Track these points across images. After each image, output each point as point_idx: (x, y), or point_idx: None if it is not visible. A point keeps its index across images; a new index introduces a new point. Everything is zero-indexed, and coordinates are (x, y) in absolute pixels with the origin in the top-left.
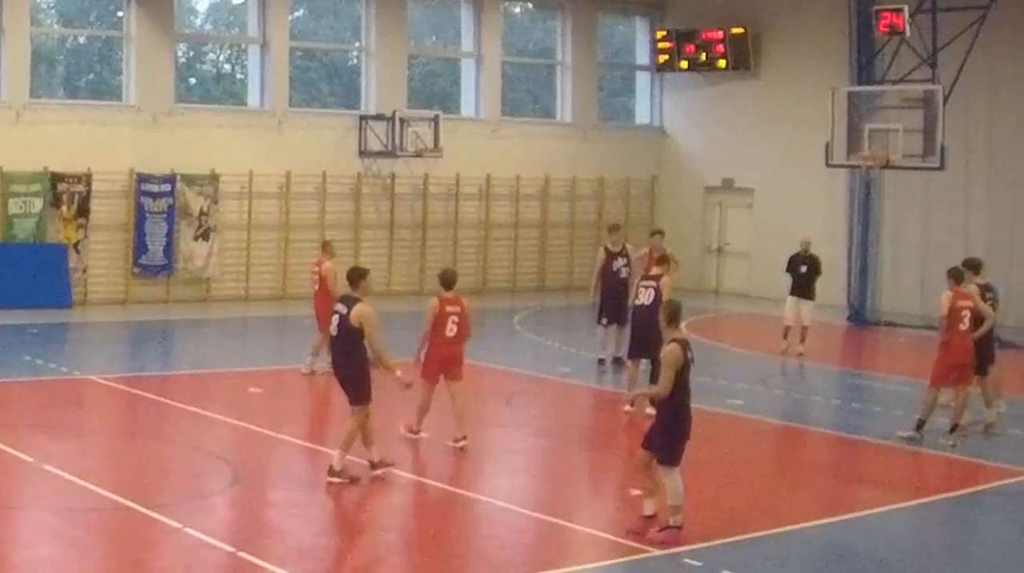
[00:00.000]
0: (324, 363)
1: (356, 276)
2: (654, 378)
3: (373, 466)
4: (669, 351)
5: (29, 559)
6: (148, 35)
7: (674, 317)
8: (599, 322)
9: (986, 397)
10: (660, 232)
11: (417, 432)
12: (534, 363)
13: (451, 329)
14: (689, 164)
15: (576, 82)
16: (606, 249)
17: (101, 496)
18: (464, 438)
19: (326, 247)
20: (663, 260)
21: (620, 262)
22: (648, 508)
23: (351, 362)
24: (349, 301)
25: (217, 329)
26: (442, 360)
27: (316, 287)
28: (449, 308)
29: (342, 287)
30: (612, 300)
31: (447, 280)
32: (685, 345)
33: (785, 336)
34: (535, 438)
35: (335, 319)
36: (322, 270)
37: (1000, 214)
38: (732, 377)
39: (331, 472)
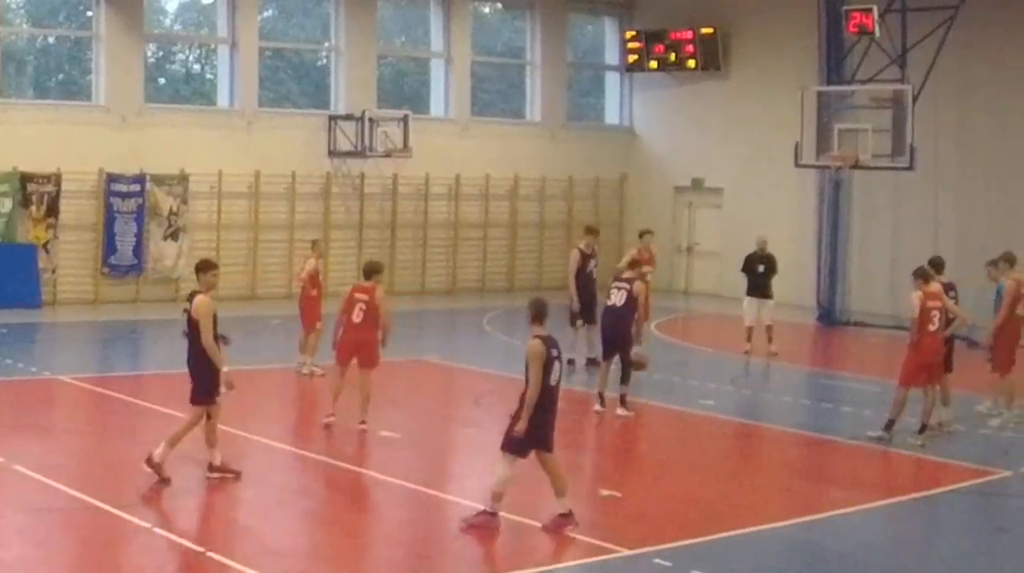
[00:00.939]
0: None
1: (198, 269)
2: (625, 378)
3: (211, 469)
4: (532, 346)
5: None
6: (117, 35)
7: (538, 315)
8: (573, 324)
9: (944, 396)
10: (649, 232)
11: (330, 415)
12: (503, 363)
13: (358, 315)
14: (658, 164)
15: (545, 82)
16: (580, 251)
17: (70, 496)
18: (363, 423)
19: (314, 246)
20: (636, 263)
21: (592, 263)
22: (560, 506)
23: (190, 359)
24: (192, 295)
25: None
26: (350, 345)
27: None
28: (358, 295)
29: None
30: (587, 300)
31: (365, 269)
32: (549, 342)
33: (748, 337)
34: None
35: (184, 315)
36: (305, 268)
37: (970, 214)
38: (702, 377)
39: (211, 468)
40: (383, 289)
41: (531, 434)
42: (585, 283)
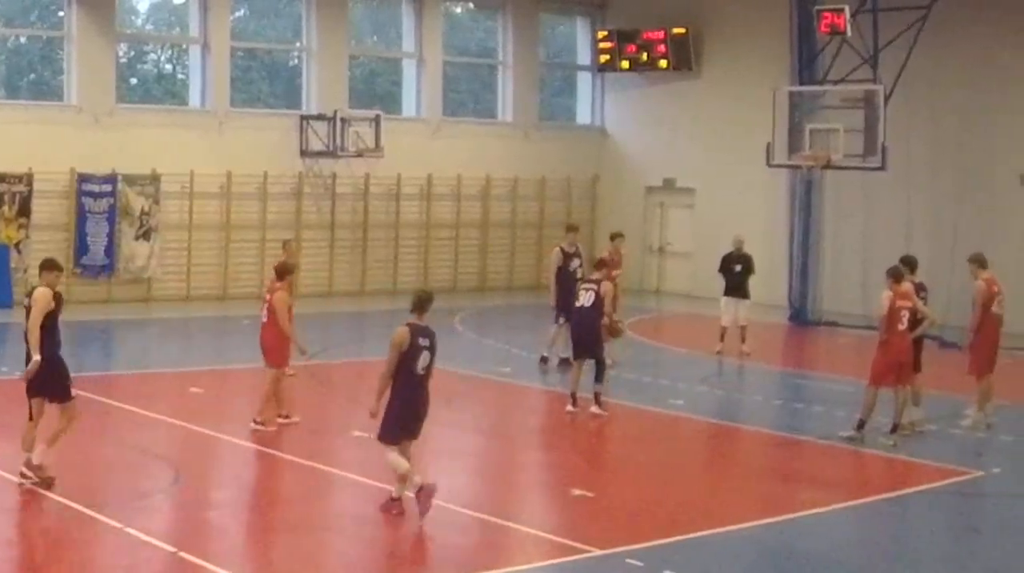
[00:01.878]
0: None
1: (40, 266)
2: (599, 377)
3: (27, 466)
4: (397, 333)
5: None
6: (89, 35)
7: (416, 305)
8: (556, 321)
9: (915, 396)
10: (620, 235)
11: (286, 417)
12: (475, 363)
13: (264, 315)
14: (630, 164)
15: (517, 82)
16: (562, 250)
17: (42, 496)
18: (281, 417)
19: (285, 246)
20: (602, 264)
21: (576, 262)
22: (408, 488)
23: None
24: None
25: (158, 329)
26: (260, 344)
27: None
28: (266, 295)
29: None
30: (569, 298)
31: (275, 268)
32: (416, 330)
33: (722, 338)
34: (476, 438)
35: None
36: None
37: (941, 214)
38: (674, 377)
39: (27, 466)
40: (283, 292)
41: (401, 423)
42: (567, 282)
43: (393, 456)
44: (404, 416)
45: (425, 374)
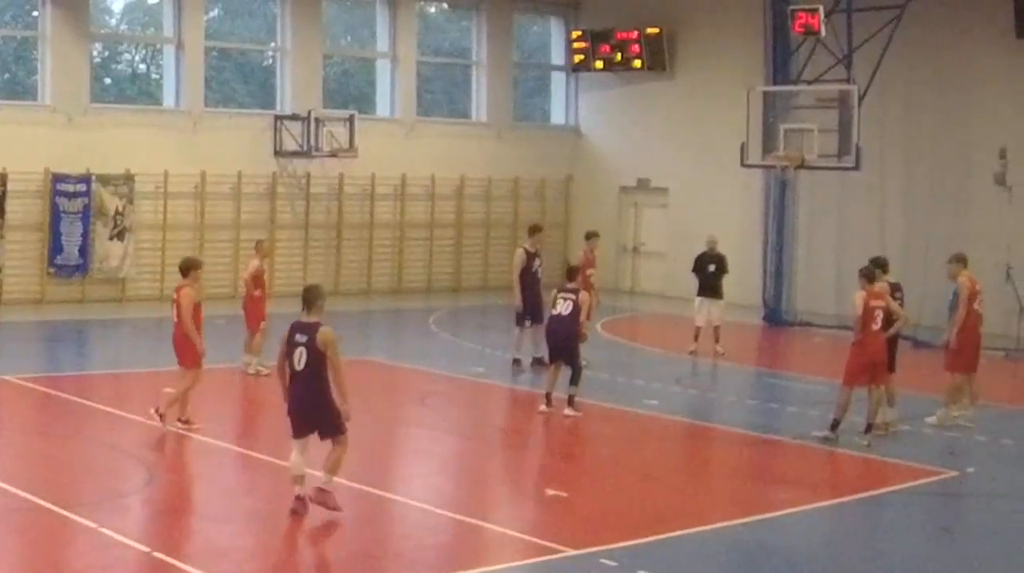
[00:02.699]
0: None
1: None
2: (574, 380)
3: None
4: (331, 332)
5: None
6: (63, 35)
7: (303, 301)
8: (519, 324)
9: (889, 396)
10: (596, 234)
11: (186, 421)
12: (449, 363)
13: (174, 314)
14: (604, 164)
15: (491, 82)
16: (525, 250)
17: (16, 496)
18: (181, 421)
19: (258, 246)
20: (575, 272)
21: (537, 263)
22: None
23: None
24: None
25: (132, 329)
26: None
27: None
28: (174, 295)
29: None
30: (533, 299)
31: (179, 266)
32: (294, 327)
33: (696, 338)
34: (450, 438)
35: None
36: (248, 269)
37: (915, 214)
38: (648, 377)
39: None
40: (189, 289)
41: (290, 420)
42: (531, 283)
43: (292, 454)
44: (289, 413)
45: (304, 371)
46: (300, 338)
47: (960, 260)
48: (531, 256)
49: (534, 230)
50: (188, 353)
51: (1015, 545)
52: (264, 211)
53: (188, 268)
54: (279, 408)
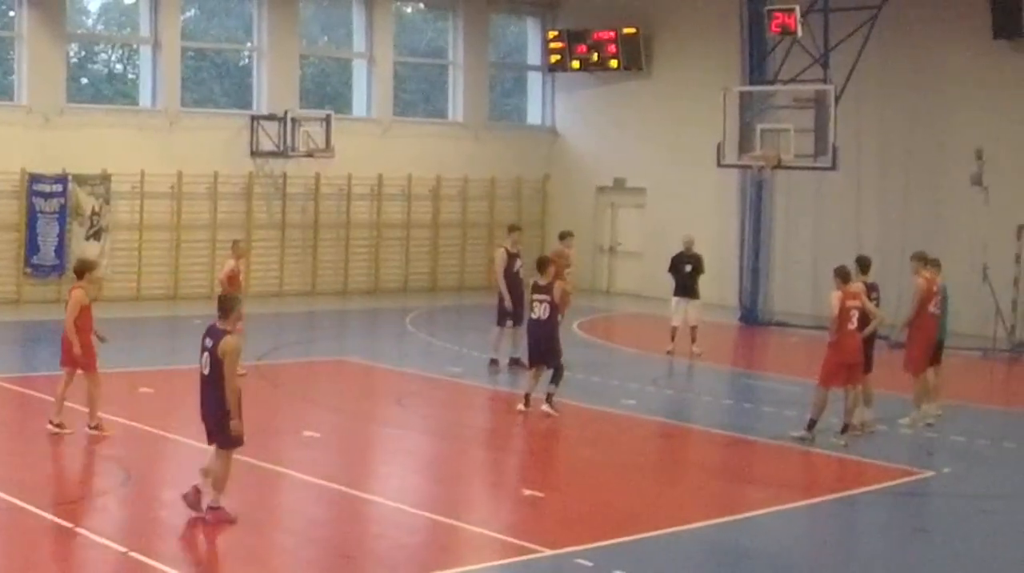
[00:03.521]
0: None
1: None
2: (555, 379)
3: None
4: (233, 344)
5: None
6: (40, 35)
7: (217, 309)
8: (500, 323)
9: (866, 396)
10: (570, 234)
11: (58, 425)
12: (426, 363)
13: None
14: (581, 164)
15: (468, 82)
16: (507, 250)
17: None
18: (92, 427)
19: (234, 246)
20: (545, 264)
21: (519, 263)
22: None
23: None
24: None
25: (108, 329)
26: None
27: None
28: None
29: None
30: (515, 300)
31: (74, 268)
32: (206, 331)
33: (672, 338)
34: (427, 438)
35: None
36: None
37: (891, 214)
38: (624, 377)
39: None
40: (79, 290)
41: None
42: (514, 282)
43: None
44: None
45: (209, 376)
46: (208, 343)
47: (920, 258)
48: (512, 256)
49: (513, 229)
50: (80, 357)
51: (991, 545)
52: (240, 211)
53: (82, 270)
54: (254, 408)
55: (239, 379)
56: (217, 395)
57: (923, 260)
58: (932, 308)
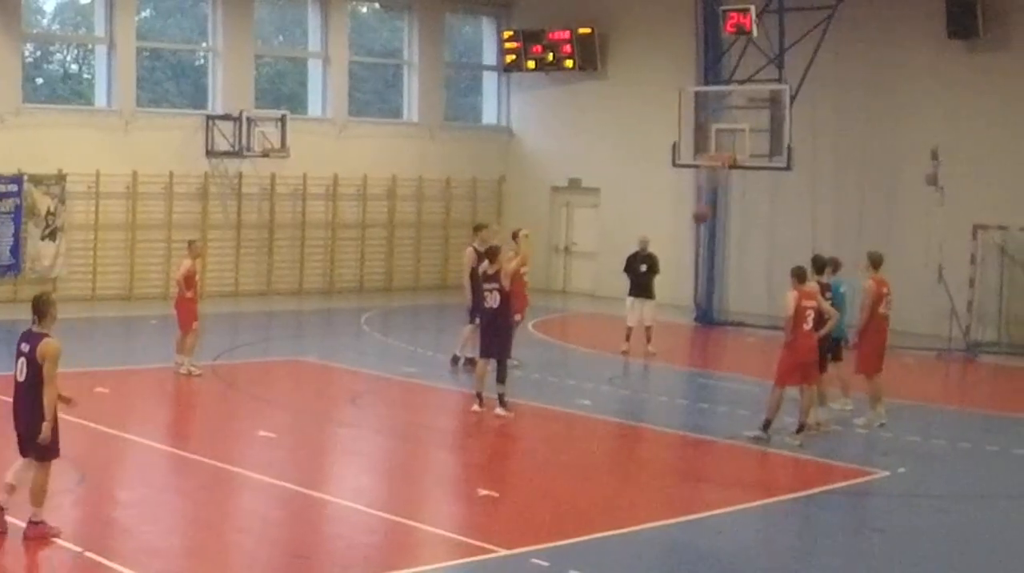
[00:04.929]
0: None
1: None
2: (501, 378)
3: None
4: (54, 346)
5: None
6: None
7: (32, 312)
8: (472, 321)
9: (820, 396)
10: (525, 234)
11: None
12: (381, 363)
13: None
14: (536, 164)
15: (423, 82)
16: (475, 249)
17: None
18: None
19: (190, 246)
20: (495, 253)
21: (486, 262)
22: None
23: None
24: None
25: (64, 329)
26: None
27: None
28: None
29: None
30: (480, 300)
31: None
32: (21, 337)
33: (627, 338)
34: (382, 438)
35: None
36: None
37: (847, 214)
38: (579, 377)
39: None
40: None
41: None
42: (480, 282)
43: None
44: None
45: (25, 382)
46: (24, 348)
47: (870, 260)
48: (480, 255)
49: (479, 228)
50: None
51: (947, 545)
52: (196, 211)
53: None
54: (211, 408)
55: (196, 379)
56: (33, 403)
57: (874, 262)
58: (882, 309)
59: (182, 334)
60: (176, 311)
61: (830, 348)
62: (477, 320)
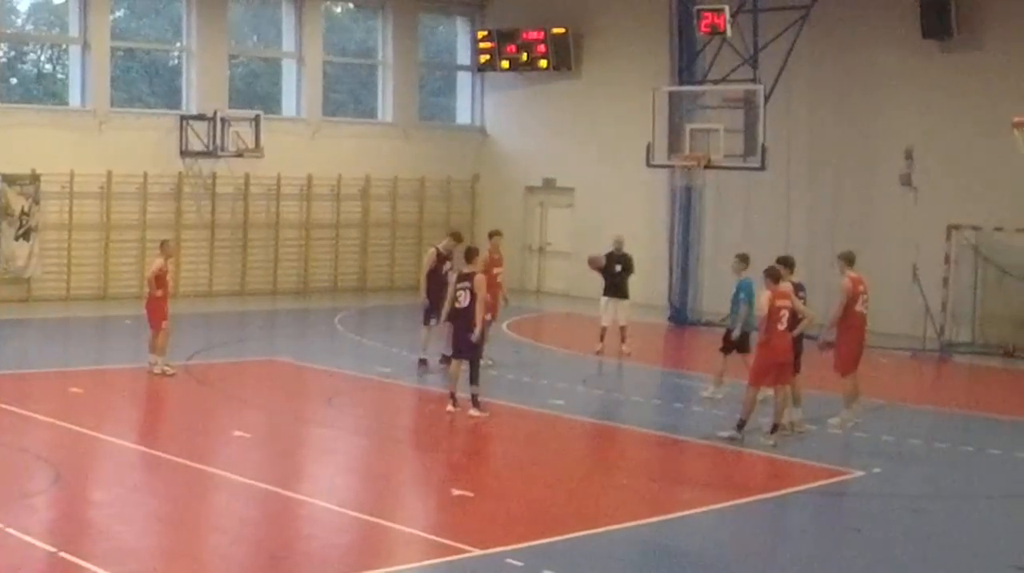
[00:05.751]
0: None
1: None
2: (474, 378)
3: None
4: None
5: None
6: None
7: None
8: (426, 322)
9: (794, 396)
10: (498, 233)
11: None
12: (355, 363)
13: None
14: (510, 164)
15: (397, 82)
16: (437, 251)
17: None
18: None
19: (162, 246)
20: (473, 253)
21: (447, 266)
22: None
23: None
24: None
25: (38, 329)
26: None
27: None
28: None
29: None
30: (438, 300)
31: None
32: None
33: (602, 338)
34: (356, 438)
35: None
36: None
37: (821, 214)
38: (553, 377)
39: None
40: None
41: None
42: (439, 284)
43: None
44: None
45: None
46: None
47: (845, 258)
48: (442, 258)
49: (453, 235)
50: None
51: (922, 544)
52: (170, 211)
53: None
54: (185, 408)
55: (168, 379)
56: None
57: (848, 261)
58: (858, 307)
59: (153, 334)
60: (146, 310)
61: (740, 339)
62: (433, 321)
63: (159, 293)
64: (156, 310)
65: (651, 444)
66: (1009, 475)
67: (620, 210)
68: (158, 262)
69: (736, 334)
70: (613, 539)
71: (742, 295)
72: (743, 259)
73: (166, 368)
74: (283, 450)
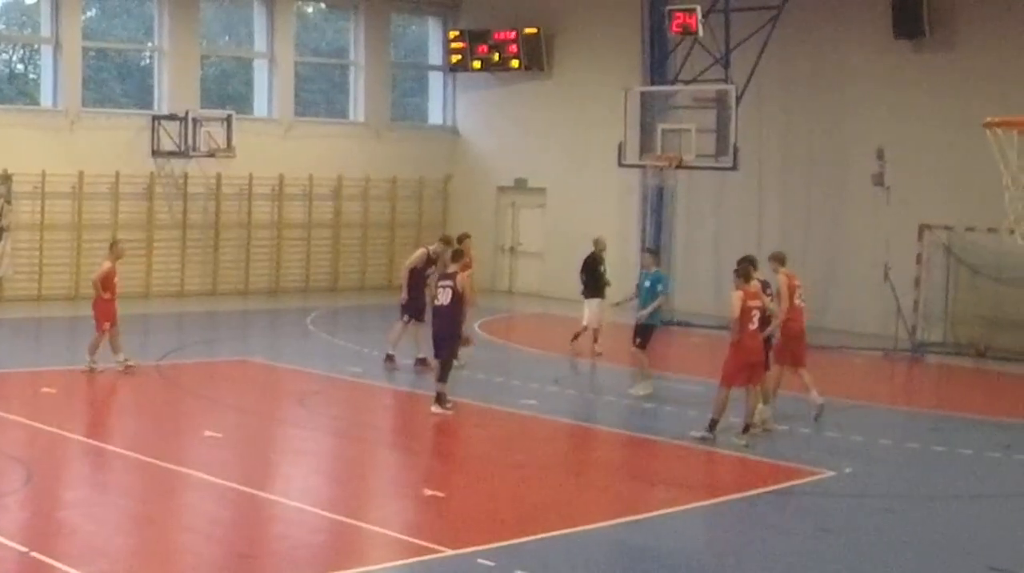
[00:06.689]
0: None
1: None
2: (442, 376)
3: None
4: None
5: None
6: None
7: None
8: (401, 317)
9: (764, 395)
10: (467, 235)
11: None
12: (327, 363)
13: None
14: (482, 164)
15: (369, 82)
16: (427, 252)
17: None
18: None
19: (112, 247)
20: (459, 254)
21: (431, 270)
22: None
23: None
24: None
25: (9, 329)
26: None
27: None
28: None
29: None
30: (417, 298)
31: None
32: None
33: (577, 337)
34: (329, 438)
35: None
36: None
37: (793, 213)
38: (525, 377)
39: None
40: None
41: None
42: (419, 284)
43: None
44: None
45: None
46: None
47: (775, 258)
48: (429, 261)
49: (444, 240)
50: None
51: (892, 545)
52: (142, 211)
53: None
54: (156, 408)
55: (134, 377)
56: None
57: (780, 260)
58: (797, 301)
59: (97, 335)
60: (93, 311)
61: (638, 332)
62: (406, 317)
63: (107, 295)
64: (103, 312)
65: (623, 444)
66: (980, 475)
67: (592, 210)
68: (106, 265)
69: (644, 321)
70: (585, 539)
71: (660, 287)
72: (654, 253)
73: (95, 366)
74: (255, 450)
